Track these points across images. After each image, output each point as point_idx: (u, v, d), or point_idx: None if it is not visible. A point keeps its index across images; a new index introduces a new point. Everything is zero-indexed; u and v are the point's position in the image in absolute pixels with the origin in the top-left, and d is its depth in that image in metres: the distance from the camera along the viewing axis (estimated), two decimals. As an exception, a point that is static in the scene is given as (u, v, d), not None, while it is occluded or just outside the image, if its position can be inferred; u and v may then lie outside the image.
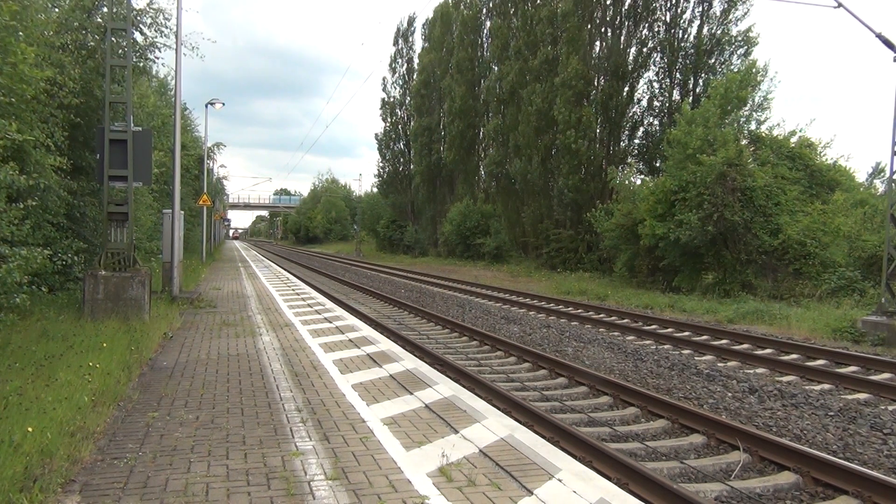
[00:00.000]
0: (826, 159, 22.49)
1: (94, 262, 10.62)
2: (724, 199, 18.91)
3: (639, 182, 26.79)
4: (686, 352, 11.36)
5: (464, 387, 7.02)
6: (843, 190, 21.25)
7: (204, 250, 32.27)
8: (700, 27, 27.54)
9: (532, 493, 3.74)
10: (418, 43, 54.51)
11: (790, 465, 5.52)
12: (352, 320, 11.48)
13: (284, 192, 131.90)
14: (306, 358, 7.79)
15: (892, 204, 13.38)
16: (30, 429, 4.22)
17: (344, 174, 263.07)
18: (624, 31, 29.52)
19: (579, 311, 16.99)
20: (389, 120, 56.94)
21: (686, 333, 13.21)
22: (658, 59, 29.04)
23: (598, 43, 30.45)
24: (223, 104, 29.56)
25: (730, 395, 8.20)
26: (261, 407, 5.56)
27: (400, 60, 56.01)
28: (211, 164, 41.11)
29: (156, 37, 12.78)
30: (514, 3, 36.25)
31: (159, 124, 18.69)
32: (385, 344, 8.95)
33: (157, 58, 13.88)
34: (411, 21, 55.37)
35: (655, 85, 29.62)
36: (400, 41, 55.67)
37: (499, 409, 6.28)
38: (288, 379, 6.64)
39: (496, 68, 39.24)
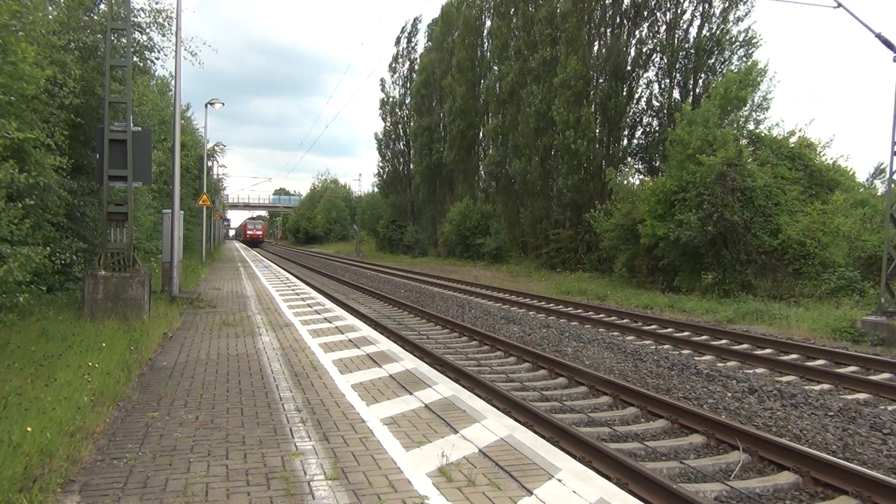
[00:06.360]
0: (826, 159, 22.53)
1: (93, 262, 10.62)
2: (723, 199, 18.91)
3: (638, 182, 26.81)
4: (686, 352, 11.36)
5: (463, 387, 7.01)
6: (843, 190, 21.25)
7: (203, 250, 32.26)
8: (700, 27, 27.53)
9: (532, 493, 3.74)
10: (421, 43, 54.66)
11: (790, 465, 5.52)
12: (351, 320, 11.48)
13: (284, 191, 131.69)
14: (306, 358, 7.78)
15: (891, 204, 13.38)
16: (29, 429, 4.22)
17: (344, 174, 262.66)
18: (623, 32, 29.52)
19: (579, 311, 16.99)
20: (389, 120, 57.01)
21: (686, 333, 13.21)
22: (658, 59, 29.03)
23: (597, 43, 30.45)
24: (223, 104, 29.57)
25: (729, 395, 8.20)
26: (260, 407, 5.56)
27: (401, 60, 56.07)
28: (212, 164, 41.12)
29: (156, 38, 12.80)
30: (514, 4, 36.24)
31: (159, 122, 18.69)
32: (385, 344, 8.95)
33: (157, 58, 13.85)
34: (416, 22, 55.49)
35: (655, 85, 29.65)
36: (403, 41, 55.72)
37: (498, 409, 6.28)
38: (288, 379, 6.64)
39: (496, 68, 39.25)
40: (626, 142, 30.97)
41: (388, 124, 57.07)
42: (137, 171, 10.67)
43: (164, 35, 12.91)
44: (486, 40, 43.87)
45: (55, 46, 9.89)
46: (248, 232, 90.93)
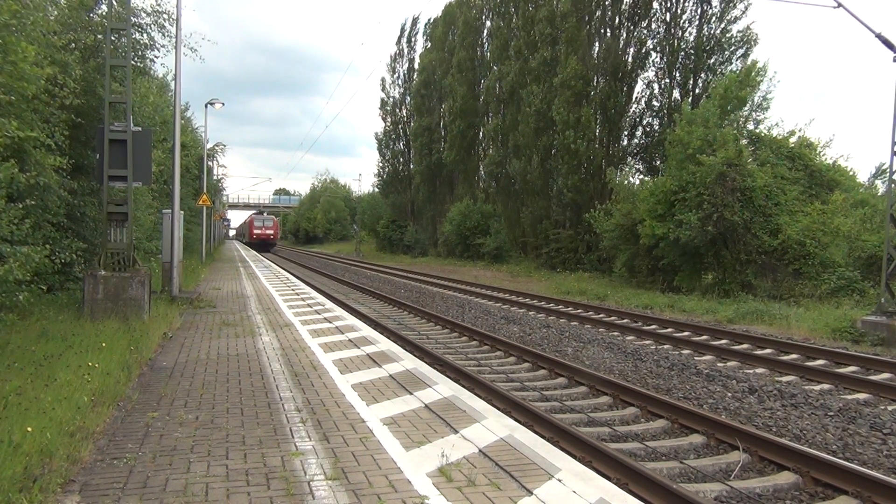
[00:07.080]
0: (826, 159, 22.52)
1: (93, 262, 10.62)
2: (723, 199, 18.91)
3: (638, 182, 26.80)
4: (686, 352, 11.36)
5: (463, 387, 7.01)
6: (843, 190, 21.24)
7: (203, 250, 32.26)
8: (700, 27, 27.53)
9: (532, 493, 3.74)
10: (420, 43, 54.68)
11: (790, 465, 5.52)
12: (351, 320, 11.48)
13: (284, 191, 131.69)
14: (306, 358, 7.78)
15: (891, 204, 13.38)
16: (29, 429, 4.22)
17: (344, 174, 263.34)
18: (623, 32, 29.52)
19: (579, 311, 16.99)
20: (389, 120, 57.02)
21: (686, 333, 13.21)
22: (657, 59, 29.05)
23: (596, 43, 30.45)
24: (223, 104, 29.56)
25: (729, 395, 8.20)
26: (260, 407, 5.56)
27: (401, 60, 56.12)
28: (212, 164, 41.10)
29: (157, 37, 12.79)
30: (514, 4, 36.25)
31: (159, 122, 18.68)
32: (385, 344, 8.95)
33: (157, 57, 13.85)
34: (415, 22, 55.61)
35: (655, 85, 29.65)
36: (403, 41, 55.78)
37: (498, 409, 6.28)
38: (288, 379, 6.64)
39: (496, 68, 39.25)
40: (626, 142, 30.99)
41: (388, 124, 57.10)
42: (137, 171, 10.67)
43: (164, 35, 12.92)
44: (486, 40, 43.87)
45: (55, 46, 9.88)
46: (255, 231, 69.62)
